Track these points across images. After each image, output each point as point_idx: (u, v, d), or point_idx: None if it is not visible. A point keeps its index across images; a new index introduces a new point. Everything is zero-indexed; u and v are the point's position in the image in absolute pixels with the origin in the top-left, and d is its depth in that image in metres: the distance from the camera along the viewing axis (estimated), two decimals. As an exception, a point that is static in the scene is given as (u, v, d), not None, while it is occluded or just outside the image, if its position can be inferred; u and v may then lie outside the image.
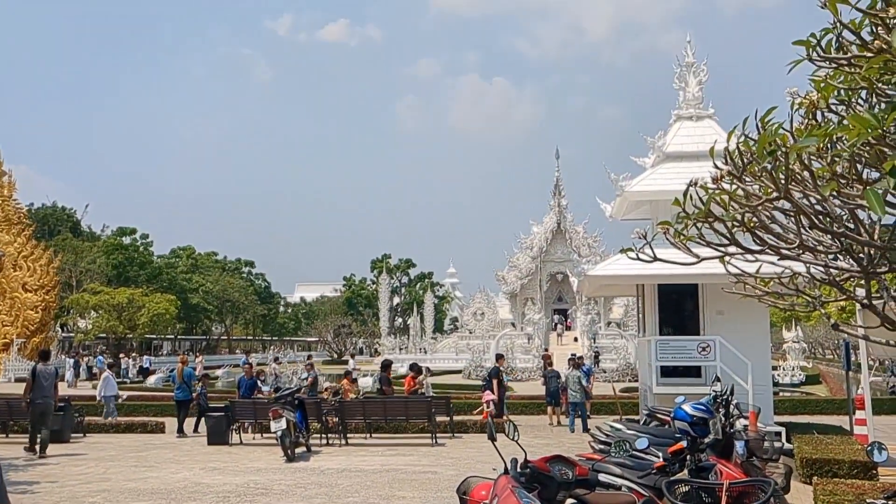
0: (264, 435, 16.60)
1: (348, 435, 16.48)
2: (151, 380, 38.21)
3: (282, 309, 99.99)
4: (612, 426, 10.52)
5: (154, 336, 69.83)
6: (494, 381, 19.60)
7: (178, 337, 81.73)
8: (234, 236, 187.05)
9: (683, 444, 6.50)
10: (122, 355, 51.09)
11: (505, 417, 17.25)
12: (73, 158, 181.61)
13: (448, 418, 17.46)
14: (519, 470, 4.75)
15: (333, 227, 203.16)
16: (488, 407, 19.33)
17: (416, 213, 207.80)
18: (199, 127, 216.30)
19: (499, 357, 22.76)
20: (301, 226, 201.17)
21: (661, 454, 6.92)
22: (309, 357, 46.19)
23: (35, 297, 44.81)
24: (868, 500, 6.98)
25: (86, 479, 11.71)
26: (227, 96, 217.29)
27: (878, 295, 5.94)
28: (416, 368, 20.64)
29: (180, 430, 17.67)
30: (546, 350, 38.00)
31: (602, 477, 6.77)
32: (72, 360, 40.00)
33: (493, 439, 4.89)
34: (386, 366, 19.93)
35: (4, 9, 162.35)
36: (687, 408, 6.47)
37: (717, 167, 5.69)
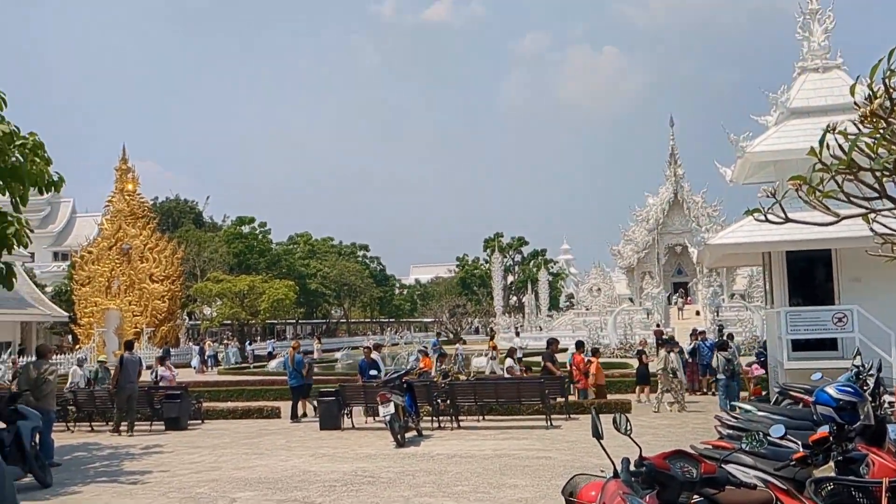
0: (376, 419, 16.40)
1: (460, 418, 16.10)
2: (272, 364, 39.10)
3: (397, 291, 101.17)
4: (741, 408, 9.62)
5: (276, 321, 71.97)
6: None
7: (300, 321, 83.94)
8: (349, 222, 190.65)
9: (827, 431, 5.65)
10: (225, 342, 52.67)
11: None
12: (194, 153, 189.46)
13: (563, 399, 16.82)
14: (633, 469, 4.09)
15: (445, 208, 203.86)
16: (756, 384, 17.29)
17: (528, 191, 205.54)
18: (310, 117, 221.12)
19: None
20: (413, 209, 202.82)
21: (799, 442, 6.08)
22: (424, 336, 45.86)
23: (161, 288, 46.79)
24: None
25: (196, 469, 11.76)
26: (336, 84, 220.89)
27: None
28: (580, 345, 19.96)
29: (293, 416, 17.76)
30: (658, 326, 36.49)
31: (732, 468, 6.00)
32: (197, 348, 41.52)
33: (598, 437, 4.24)
34: (551, 342, 19.27)
35: (121, 12, 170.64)
36: (831, 391, 5.59)
37: (857, 105, 4.80)
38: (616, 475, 3.95)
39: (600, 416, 4.54)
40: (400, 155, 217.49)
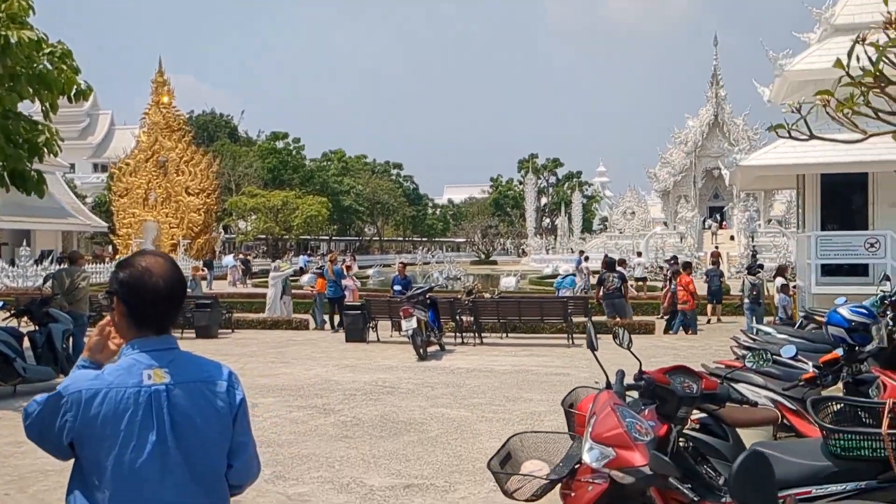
0: (401, 333, 16.62)
1: (483, 335, 16.27)
2: (304, 278, 39.62)
3: (430, 210, 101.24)
4: (762, 330, 9.55)
5: (309, 237, 72.67)
6: None
7: (333, 237, 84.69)
8: (383, 140, 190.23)
9: (838, 352, 5.58)
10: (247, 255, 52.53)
11: None
12: (230, 68, 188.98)
13: (587, 318, 16.86)
14: (633, 382, 4.08)
15: (481, 129, 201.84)
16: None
17: (565, 112, 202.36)
18: (346, 34, 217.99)
19: None
20: (448, 129, 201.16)
21: (811, 363, 6.03)
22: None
23: (197, 201, 47.30)
24: None
25: (222, 374, 12.08)
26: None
27: None
28: (688, 266, 18.95)
29: (332, 325, 18.24)
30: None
31: (742, 387, 5.98)
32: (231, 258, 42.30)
33: (592, 349, 4.22)
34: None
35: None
36: (844, 311, 5.50)
37: (888, 13, 4.57)
38: (609, 386, 3.96)
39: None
40: (436, 74, 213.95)
